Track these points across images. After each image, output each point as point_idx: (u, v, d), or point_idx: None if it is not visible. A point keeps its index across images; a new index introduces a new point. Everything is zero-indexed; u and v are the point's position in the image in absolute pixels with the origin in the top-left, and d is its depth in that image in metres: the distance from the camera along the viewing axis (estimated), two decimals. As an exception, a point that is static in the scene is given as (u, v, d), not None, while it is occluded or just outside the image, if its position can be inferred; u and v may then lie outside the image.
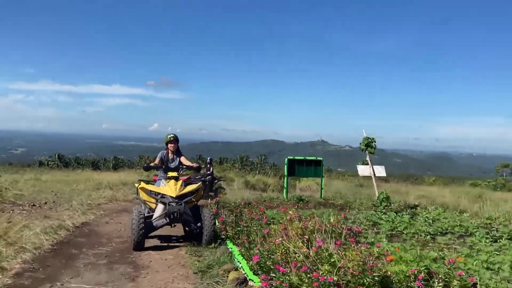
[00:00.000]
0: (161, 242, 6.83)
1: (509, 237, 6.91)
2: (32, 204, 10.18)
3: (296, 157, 14.43)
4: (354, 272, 2.75)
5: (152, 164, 7.42)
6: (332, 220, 4.38)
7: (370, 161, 10.74)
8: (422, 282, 2.82)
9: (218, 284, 4.19)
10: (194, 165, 7.53)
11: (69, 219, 7.66)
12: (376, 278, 2.76)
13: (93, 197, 12.01)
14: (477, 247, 6.04)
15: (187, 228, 6.86)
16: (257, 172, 40.88)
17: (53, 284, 4.34)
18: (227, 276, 4.29)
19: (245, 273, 4.15)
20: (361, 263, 2.79)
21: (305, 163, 14.33)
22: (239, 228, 6.01)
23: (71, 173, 26.84)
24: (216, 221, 6.76)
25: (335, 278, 2.73)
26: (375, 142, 10.36)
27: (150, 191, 6.73)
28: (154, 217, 6.47)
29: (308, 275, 2.81)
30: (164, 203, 6.42)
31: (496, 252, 5.54)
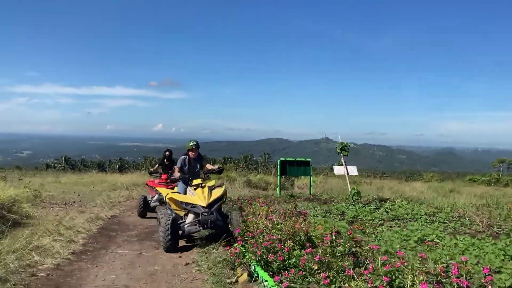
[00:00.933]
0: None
1: (443, 221, 8.95)
2: (64, 202, 12.26)
3: (288, 158, 16.44)
4: (289, 232, 4.79)
5: (177, 177, 7.46)
6: (290, 208, 6.49)
7: (345, 162, 12.80)
8: (332, 237, 4.77)
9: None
10: (216, 168, 7.75)
11: (101, 213, 9.79)
12: (302, 236, 4.78)
13: (112, 196, 14.10)
14: (410, 227, 8.04)
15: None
16: (260, 171, 42.57)
17: (106, 250, 6.48)
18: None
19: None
20: (292, 227, 4.82)
21: (295, 164, 16.32)
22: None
23: (84, 175, 28.92)
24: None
25: (279, 236, 4.77)
26: (348, 146, 12.42)
27: (181, 202, 6.86)
28: (186, 223, 6.77)
29: (263, 235, 4.88)
30: (196, 213, 6.67)
31: (419, 230, 7.55)
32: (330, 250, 4.16)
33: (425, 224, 8.65)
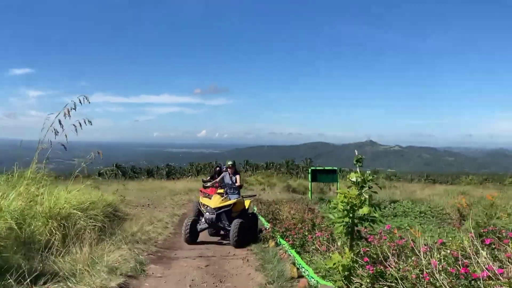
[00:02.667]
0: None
1: (428, 216, 11.84)
2: (142, 205, 15.90)
3: (318, 167, 19.63)
4: (299, 219, 8.02)
5: (216, 185, 9.77)
6: (304, 206, 9.79)
7: (360, 172, 15.83)
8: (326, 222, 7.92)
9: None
10: (237, 184, 9.78)
11: (175, 211, 13.30)
12: (309, 221, 7.95)
13: (176, 200, 17.70)
14: (399, 220, 10.97)
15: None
16: (300, 176, 44.94)
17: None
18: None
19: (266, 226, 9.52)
20: (302, 217, 8.05)
21: (324, 172, 19.47)
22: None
23: (143, 182, 32.70)
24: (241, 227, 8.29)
25: (295, 222, 8.01)
26: (363, 158, 15.41)
27: (201, 203, 9.41)
28: (200, 222, 8.73)
29: (284, 221, 8.21)
30: (206, 212, 8.68)
31: (401, 221, 10.50)
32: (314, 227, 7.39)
33: (413, 218, 11.55)
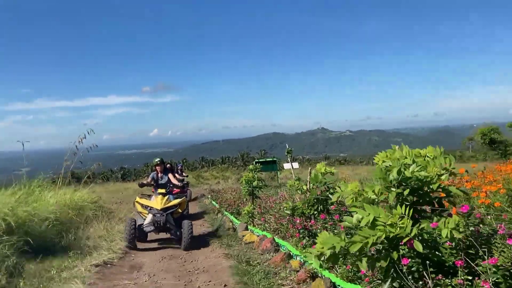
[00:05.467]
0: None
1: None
2: (115, 202, 19.18)
3: (261, 160, 23.75)
4: (235, 198, 11.95)
5: (145, 182, 8.82)
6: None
7: (290, 160, 20.02)
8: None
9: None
10: (179, 184, 8.97)
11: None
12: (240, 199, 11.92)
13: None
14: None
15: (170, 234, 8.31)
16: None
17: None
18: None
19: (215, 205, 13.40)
20: (237, 197, 11.98)
21: (266, 163, 23.60)
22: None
23: (105, 185, 35.16)
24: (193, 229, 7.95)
25: (234, 200, 11.93)
26: (292, 150, 19.55)
27: (142, 204, 8.30)
28: (144, 223, 7.98)
29: (228, 201, 12.17)
30: (152, 215, 7.91)
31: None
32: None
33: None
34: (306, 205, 4.70)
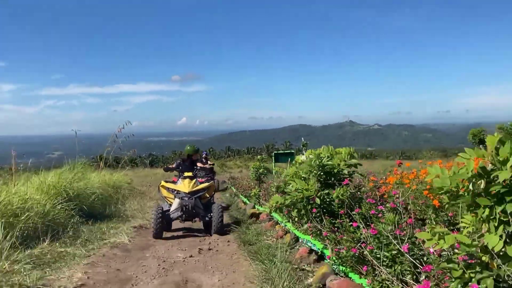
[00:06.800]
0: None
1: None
2: (144, 186, 21.36)
3: (279, 152, 25.43)
4: (252, 185, 13.78)
5: (171, 167, 8.60)
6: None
7: (304, 153, 21.71)
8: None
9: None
10: (207, 166, 9.55)
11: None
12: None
13: (170, 181, 23.25)
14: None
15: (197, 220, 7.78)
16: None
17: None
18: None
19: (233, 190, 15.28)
20: (250, 185, 13.81)
21: (284, 155, 25.31)
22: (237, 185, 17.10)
23: (135, 170, 37.61)
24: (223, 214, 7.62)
25: (248, 186, 13.77)
26: (307, 143, 21.20)
27: (168, 188, 7.86)
28: (171, 210, 7.56)
29: (243, 186, 14.00)
30: (179, 198, 7.46)
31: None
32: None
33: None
34: (283, 184, 6.44)
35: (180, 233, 7.93)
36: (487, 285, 1.79)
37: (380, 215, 3.63)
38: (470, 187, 1.81)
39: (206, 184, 8.00)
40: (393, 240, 2.95)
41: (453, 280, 1.91)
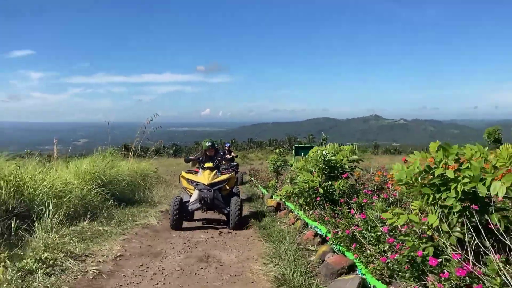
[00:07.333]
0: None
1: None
2: (169, 174, 22.33)
3: (300, 145, 26.06)
4: (270, 176, 14.48)
5: (192, 157, 8.55)
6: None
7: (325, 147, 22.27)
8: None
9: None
10: (228, 157, 9.20)
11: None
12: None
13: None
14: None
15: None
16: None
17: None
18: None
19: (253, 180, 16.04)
20: (269, 177, 14.50)
21: (305, 148, 25.88)
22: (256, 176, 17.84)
23: (159, 160, 38.86)
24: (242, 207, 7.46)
25: (267, 177, 14.48)
26: (327, 137, 21.71)
27: (188, 179, 7.74)
28: (190, 201, 7.48)
29: (263, 177, 14.74)
30: (198, 190, 7.38)
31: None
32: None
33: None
34: (295, 176, 7.12)
35: (200, 223, 8.01)
36: (429, 251, 2.44)
37: (373, 204, 4.27)
38: (419, 180, 2.46)
39: (226, 176, 7.89)
40: (377, 224, 3.59)
41: (408, 248, 2.57)
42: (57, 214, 5.99)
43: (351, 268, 3.79)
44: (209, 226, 7.66)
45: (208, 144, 8.18)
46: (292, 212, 7.35)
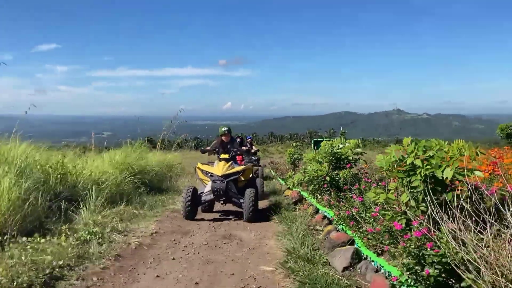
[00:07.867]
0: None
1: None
2: (193, 166, 23.30)
3: (319, 139, 26.71)
4: (289, 168, 15.22)
5: (208, 148, 8.57)
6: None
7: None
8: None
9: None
10: (245, 148, 8.96)
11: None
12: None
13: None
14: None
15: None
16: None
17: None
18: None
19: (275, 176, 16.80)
20: (288, 169, 15.24)
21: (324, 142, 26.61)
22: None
23: (181, 152, 40.13)
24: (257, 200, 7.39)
25: (286, 169, 15.22)
26: (346, 132, 22.27)
27: (203, 170, 7.72)
28: (204, 192, 7.52)
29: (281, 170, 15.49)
30: (212, 181, 7.36)
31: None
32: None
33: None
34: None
35: (218, 215, 8.00)
36: (402, 223, 3.17)
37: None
38: (395, 166, 3.19)
39: (241, 167, 7.77)
40: (372, 206, 4.32)
41: (387, 220, 3.30)
42: (99, 198, 6.89)
43: (351, 243, 4.54)
44: (228, 218, 7.70)
45: (224, 129, 8.10)
46: (305, 199, 8.10)
